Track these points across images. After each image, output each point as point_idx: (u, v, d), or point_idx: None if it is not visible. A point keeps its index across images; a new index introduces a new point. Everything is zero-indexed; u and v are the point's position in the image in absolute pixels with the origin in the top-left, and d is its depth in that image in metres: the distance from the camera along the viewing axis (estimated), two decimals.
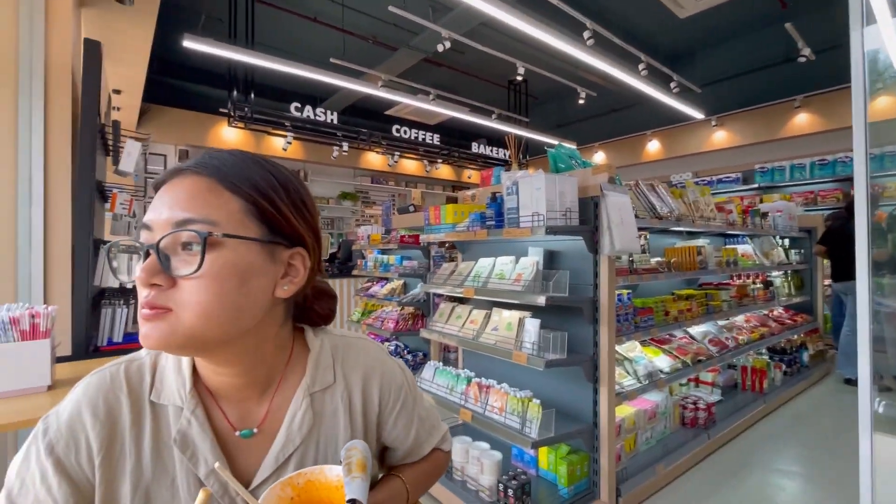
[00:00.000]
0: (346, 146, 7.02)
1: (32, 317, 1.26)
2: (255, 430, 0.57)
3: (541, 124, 7.74)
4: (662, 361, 2.47)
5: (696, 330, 2.93)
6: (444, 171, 9.22)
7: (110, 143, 2.63)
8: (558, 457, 2.02)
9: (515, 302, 1.94)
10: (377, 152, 8.00)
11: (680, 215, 2.49)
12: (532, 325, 1.91)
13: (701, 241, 2.92)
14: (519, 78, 5.45)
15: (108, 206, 2.42)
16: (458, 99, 6.39)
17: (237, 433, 0.56)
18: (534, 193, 1.81)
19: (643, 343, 2.57)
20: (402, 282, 4.00)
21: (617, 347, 2.16)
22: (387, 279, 4.27)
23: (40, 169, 2.15)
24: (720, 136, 6.82)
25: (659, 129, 7.44)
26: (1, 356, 1.22)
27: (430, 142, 7.37)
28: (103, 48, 2.23)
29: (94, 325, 2.15)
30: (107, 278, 2.34)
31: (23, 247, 2.10)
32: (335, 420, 0.61)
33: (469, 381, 2.11)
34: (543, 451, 2.11)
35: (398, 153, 7.88)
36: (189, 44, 3.78)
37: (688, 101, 6.00)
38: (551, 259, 2.10)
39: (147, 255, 0.47)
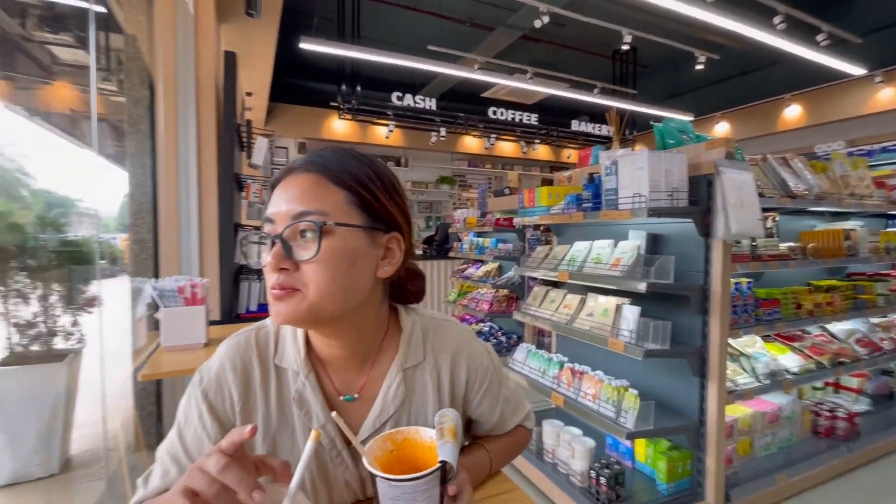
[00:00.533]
0: (443, 131, 7.18)
1: (192, 287, 1.55)
2: (356, 396, 0.65)
3: (650, 96, 7.08)
4: (790, 360, 2.17)
5: (838, 327, 2.52)
6: (541, 151, 8.95)
7: (244, 140, 3.05)
8: (657, 451, 1.91)
9: (613, 287, 1.86)
10: (474, 136, 8.05)
11: (821, 193, 2.13)
12: (631, 312, 1.82)
13: (851, 224, 2.47)
14: (625, 47, 5.03)
15: (243, 194, 2.82)
16: (557, 75, 6.12)
17: (341, 397, 0.65)
18: (634, 173, 1.70)
19: (766, 339, 2.29)
20: (496, 264, 4.03)
21: (731, 341, 1.96)
22: (482, 261, 4.33)
23: (195, 164, 2.57)
24: (887, 95, 5.59)
25: (801, 92, 6.32)
26: (171, 318, 1.52)
27: (528, 122, 7.19)
28: (238, 58, 2.58)
29: (235, 295, 2.54)
30: (243, 255, 2.74)
31: (184, 229, 2.55)
32: (424, 394, 0.68)
33: (562, 365, 2.09)
34: (641, 443, 2.02)
35: (494, 135, 7.84)
36: (305, 45, 4.16)
37: (842, 55, 4.99)
38: (655, 243, 1.96)
39: (273, 244, 0.56)
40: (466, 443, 0.76)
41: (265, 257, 0.56)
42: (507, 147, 8.60)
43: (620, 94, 6.63)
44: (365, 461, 0.52)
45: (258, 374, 0.63)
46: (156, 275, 2.42)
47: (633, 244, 1.89)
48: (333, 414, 0.55)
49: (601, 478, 1.77)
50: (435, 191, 8.39)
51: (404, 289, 0.71)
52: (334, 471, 0.64)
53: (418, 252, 5.89)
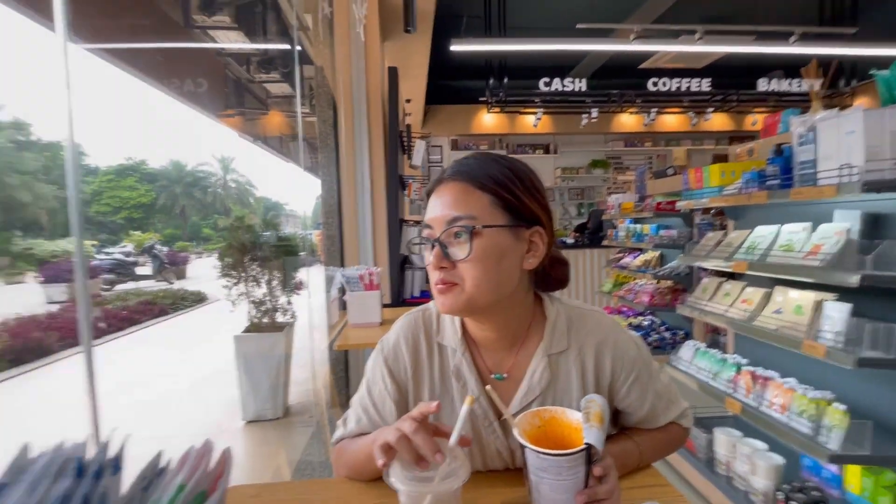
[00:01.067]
0: (595, 112, 6.76)
1: (370, 274, 1.84)
2: (505, 376, 0.72)
3: (879, 32, 5.45)
4: None
5: None
6: (716, 121, 7.71)
7: (405, 144, 3.41)
8: (880, 484, 1.54)
9: (809, 280, 1.55)
10: (630, 113, 7.38)
11: None
12: (837, 310, 1.49)
13: None
14: None
15: (406, 193, 3.16)
16: (736, 29, 5.18)
17: (492, 375, 0.73)
18: (842, 139, 1.38)
19: None
20: (657, 253, 3.68)
21: None
22: (640, 250, 4.01)
23: (367, 168, 2.99)
24: None
25: None
26: (356, 300, 1.83)
27: (697, 89, 6.27)
28: (398, 70, 2.89)
29: (401, 281, 2.89)
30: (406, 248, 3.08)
31: (361, 225, 2.99)
32: (569, 380, 0.71)
33: (739, 368, 1.83)
34: (854, 471, 1.65)
35: (655, 109, 7.05)
36: (456, 48, 4.40)
37: None
38: (873, 226, 1.56)
39: (433, 246, 0.66)
40: (613, 432, 0.76)
41: (427, 257, 0.67)
42: (670, 121, 7.66)
43: (830, 37, 5.26)
44: (515, 432, 0.58)
45: (425, 348, 0.75)
46: (342, 264, 2.92)
47: (839, 227, 1.54)
48: (488, 387, 0.63)
49: (792, 501, 1.51)
50: (586, 176, 7.99)
51: (549, 276, 0.75)
52: (486, 439, 0.72)
53: (569, 241, 5.72)
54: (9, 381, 3.99)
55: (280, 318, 2.99)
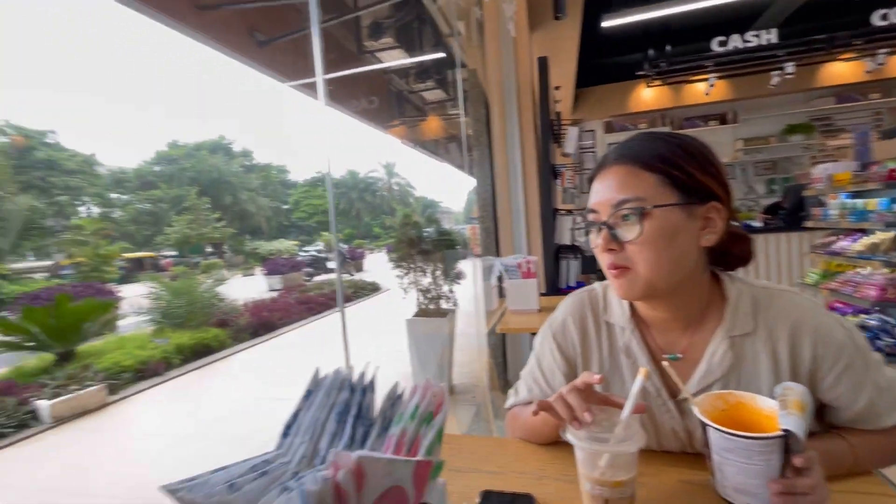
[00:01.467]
0: (790, 67, 5.55)
1: (527, 263, 1.90)
2: (679, 356, 0.70)
3: None
4: None
5: None
6: None
7: (556, 132, 3.37)
8: None
9: None
10: (844, 60, 5.84)
11: None
12: None
13: None
14: None
15: (558, 182, 3.13)
16: None
17: (665, 356, 0.71)
18: None
19: None
20: (890, 234, 2.89)
21: None
22: (862, 231, 3.19)
23: (519, 160, 3.05)
24: None
25: None
26: (514, 287, 1.92)
27: None
28: (548, 59, 2.87)
29: (556, 271, 2.89)
30: (561, 237, 3.06)
31: (514, 216, 3.08)
32: (756, 365, 0.65)
33: None
34: None
35: (885, 51, 5.44)
36: (608, 23, 4.14)
37: None
38: None
39: (600, 229, 0.67)
40: (818, 429, 0.67)
41: (594, 240, 0.67)
42: None
43: None
44: (695, 410, 0.57)
45: (592, 326, 0.78)
46: (497, 255, 3.05)
47: None
48: (665, 363, 0.63)
49: None
50: (779, 145, 6.62)
51: (729, 253, 0.70)
52: (660, 418, 0.71)
53: (756, 224, 4.84)
54: (259, 346, 5.23)
55: (444, 304, 3.29)
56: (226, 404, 3.47)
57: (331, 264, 13.13)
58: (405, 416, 0.43)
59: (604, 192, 0.65)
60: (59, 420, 3.24)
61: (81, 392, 3.43)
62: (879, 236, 2.98)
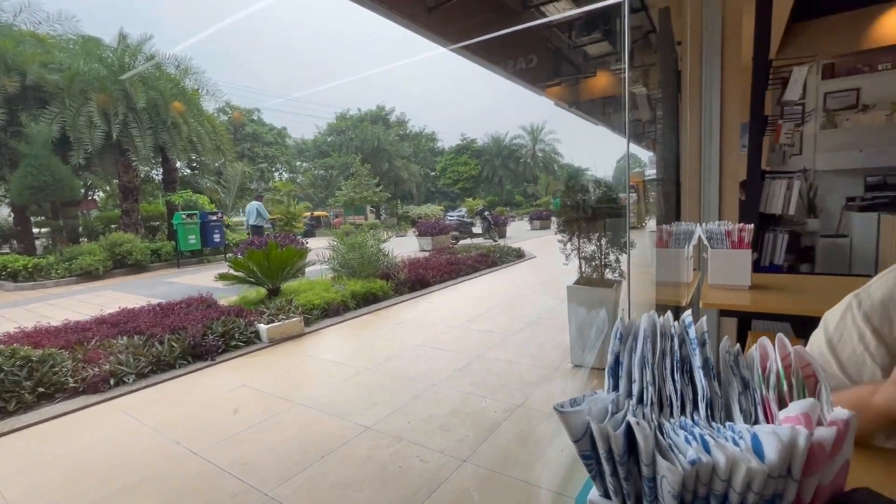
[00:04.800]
0: None
1: (741, 231, 1.61)
2: None
3: None
4: None
5: None
6: None
7: (771, 77, 2.74)
8: None
9: None
10: None
11: None
12: None
13: None
14: None
15: (772, 137, 2.57)
16: None
17: None
18: None
19: None
20: None
21: None
22: None
23: (717, 112, 2.59)
24: None
25: None
26: (720, 258, 1.65)
27: None
28: None
29: (760, 247, 2.42)
30: (769, 205, 2.54)
31: (705, 179, 2.66)
32: None
33: None
34: None
35: None
36: None
37: None
38: None
39: None
40: None
41: None
42: None
43: None
44: None
45: None
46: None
47: None
48: None
49: None
50: None
51: None
52: None
53: None
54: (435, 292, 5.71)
55: (609, 275, 3.06)
56: (394, 347, 3.88)
57: (475, 229, 13.51)
58: (771, 378, 0.35)
59: None
60: (273, 341, 4.03)
61: (287, 321, 4.18)
62: None
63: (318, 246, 6.83)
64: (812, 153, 5.50)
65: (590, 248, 3.14)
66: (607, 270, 3.04)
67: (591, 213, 3.13)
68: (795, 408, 0.24)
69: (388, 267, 6.19)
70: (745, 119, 2.51)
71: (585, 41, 5.56)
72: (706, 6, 2.62)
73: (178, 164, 12.65)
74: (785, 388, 0.34)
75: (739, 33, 2.56)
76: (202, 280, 7.48)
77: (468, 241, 12.06)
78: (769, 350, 0.38)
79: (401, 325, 4.64)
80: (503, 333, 4.02)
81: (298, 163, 28.07)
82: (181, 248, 9.86)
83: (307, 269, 6.30)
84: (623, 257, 3.07)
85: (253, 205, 10.36)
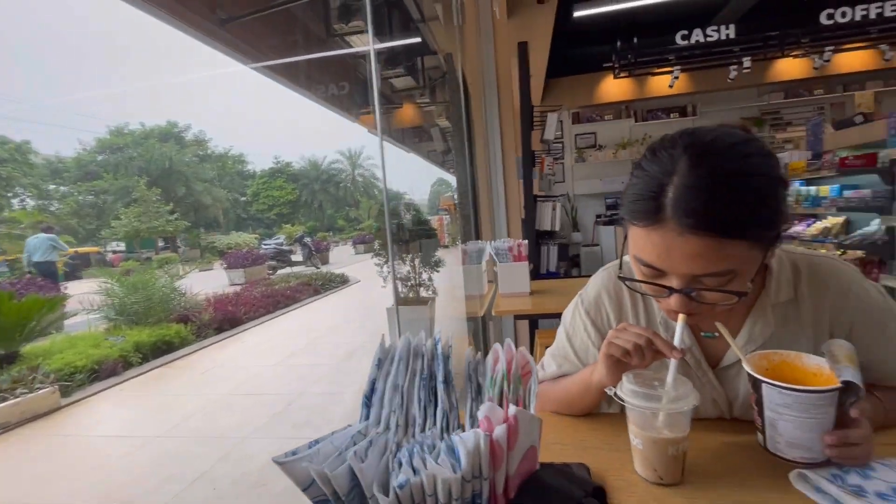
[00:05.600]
0: (747, 62, 5.84)
1: (518, 246, 1.90)
2: (716, 335, 0.68)
3: None
4: None
5: None
6: None
7: (534, 120, 3.38)
8: None
9: None
10: (794, 56, 6.20)
11: None
12: None
13: None
14: None
15: (537, 169, 3.15)
16: None
17: (702, 333, 0.70)
18: None
19: None
20: (841, 218, 3.10)
21: None
22: (814, 216, 3.42)
23: (499, 147, 3.05)
24: None
25: None
26: (506, 271, 1.91)
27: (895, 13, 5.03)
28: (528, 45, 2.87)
29: (538, 257, 2.91)
30: (541, 223, 3.08)
31: (495, 203, 3.07)
32: (798, 332, 0.66)
33: None
34: None
35: (830, 48, 5.82)
36: (580, 13, 4.18)
37: None
38: None
39: (670, 291, 0.56)
40: None
41: (671, 303, 0.57)
42: (850, 60, 6.26)
43: None
44: (747, 368, 0.57)
45: (628, 299, 0.77)
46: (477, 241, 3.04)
47: None
48: (718, 323, 0.61)
49: None
50: None
51: None
52: (701, 389, 0.72)
53: None
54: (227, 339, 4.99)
55: (423, 293, 3.24)
56: (195, 401, 3.30)
57: (295, 257, 12.75)
58: (497, 380, 0.39)
59: (677, 262, 0.54)
60: (4, 427, 2.97)
61: (28, 396, 3.15)
62: (830, 221, 3.20)
63: (86, 290, 5.41)
64: (571, 181, 7.02)
65: (405, 268, 3.27)
66: (421, 289, 3.22)
67: (407, 235, 3.29)
68: (482, 411, 0.28)
69: (185, 308, 5.30)
70: (520, 153, 3.03)
71: (391, 74, 5.90)
72: (479, 57, 3.07)
73: None
74: (506, 388, 0.39)
75: (510, 83, 3.09)
76: None
77: (288, 270, 11.29)
78: (499, 354, 0.43)
79: (205, 373, 4.00)
80: (328, 364, 3.85)
81: (53, 186, 22.03)
82: None
83: (68, 322, 4.92)
84: (435, 275, 3.30)
85: (40, 237, 7.62)
